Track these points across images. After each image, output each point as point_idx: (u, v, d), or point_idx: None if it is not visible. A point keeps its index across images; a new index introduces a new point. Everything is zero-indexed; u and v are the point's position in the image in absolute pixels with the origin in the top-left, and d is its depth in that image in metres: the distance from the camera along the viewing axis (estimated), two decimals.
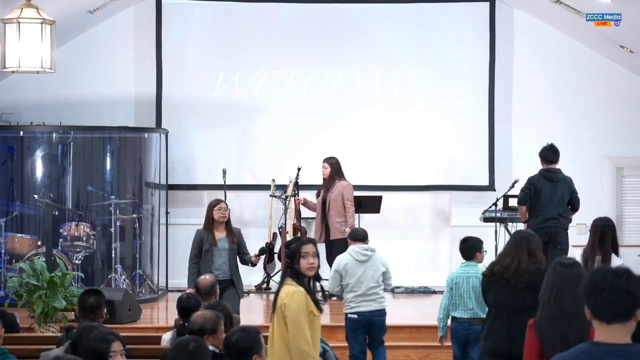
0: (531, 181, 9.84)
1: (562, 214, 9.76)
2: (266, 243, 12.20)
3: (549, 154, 10.01)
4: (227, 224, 8.69)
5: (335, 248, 10.81)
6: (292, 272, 5.29)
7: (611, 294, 3.09)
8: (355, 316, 8.24)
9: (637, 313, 3.11)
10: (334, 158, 11.46)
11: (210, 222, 8.64)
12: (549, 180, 9.82)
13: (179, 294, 7.00)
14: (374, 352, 8.45)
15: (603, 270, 3.19)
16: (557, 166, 10.00)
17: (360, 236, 8.48)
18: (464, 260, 7.54)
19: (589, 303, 3.16)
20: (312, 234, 11.85)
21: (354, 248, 8.40)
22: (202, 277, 7.38)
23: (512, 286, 6.29)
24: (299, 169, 11.69)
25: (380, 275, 8.33)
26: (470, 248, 7.56)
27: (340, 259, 8.39)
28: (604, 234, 7.33)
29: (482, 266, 7.22)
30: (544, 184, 9.79)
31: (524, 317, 6.17)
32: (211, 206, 8.70)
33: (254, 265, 9.02)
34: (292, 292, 5.21)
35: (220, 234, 8.63)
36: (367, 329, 8.34)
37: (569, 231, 9.85)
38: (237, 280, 8.66)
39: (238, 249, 8.70)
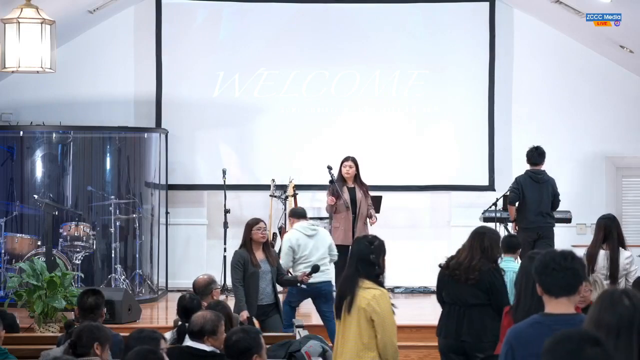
0: (519, 181, 10.41)
1: (549, 213, 10.50)
2: None
3: (535, 156, 10.52)
4: (265, 244, 8.16)
5: None
6: (378, 270, 5.50)
7: (559, 273, 3.66)
8: (305, 286, 8.79)
9: (579, 289, 3.70)
10: (354, 157, 10.68)
11: (248, 243, 8.06)
12: (535, 181, 10.37)
13: (178, 294, 6.98)
14: (329, 326, 9.05)
15: (552, 253, 3.74)
16: (543, 167, 10.57)
17: (302, 214, 9.32)
18: (505, 255, 7.67)
19: (540, 281, 3.71)
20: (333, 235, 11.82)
21: (301, 224, 9.14)
22: (199, 276, 7.37)
23: (463, 282, 6.41)
24: (330, 168, 10.74)
25: (327, 248, 9.18)
26: (518, 243, 7.96)
27: (291, 236, 9.12)
28: (609, 231, 7.48)
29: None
30: (531, 184, 10.36)
31: (473, 313, 6.31)
32: (250, 226, 8.11)
33: (302, 284, 8.51)
34: (379, 294, 5.42)
35: (260, 256, 8.09)
36: (314, 299, 9.16)
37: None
38: (280, 304, 8.28)
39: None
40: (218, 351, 5.24)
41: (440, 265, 6.74)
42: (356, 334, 5.42)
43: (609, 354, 2.69)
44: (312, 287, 8.90)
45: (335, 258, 9.36)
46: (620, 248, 7.68)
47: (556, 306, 3.69)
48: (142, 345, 4.48)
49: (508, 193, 10.61)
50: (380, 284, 5.52)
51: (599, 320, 3.14)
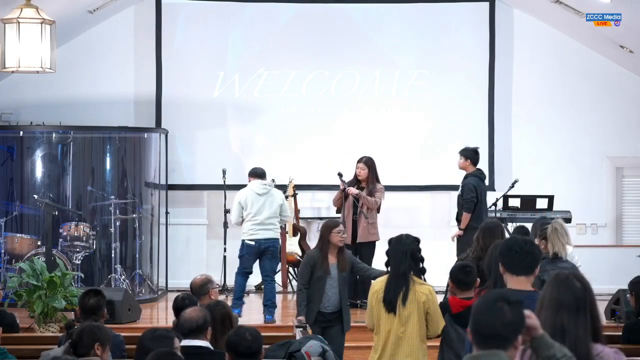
0: (475, 186, 10.14)
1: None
2: None
3: (477, 156, 10.44)
4: (340, 248, 7.61)
5: (364, 252, 10.12)
6: (422, 270, 6.17)
7: (520, 255, 4.37)
8: (253, 243, 9.67)
9: (535, 270, 4.42)
10: (370, 158, 10.45)
11: (325, 245, 7.57)
12: (482, 180, 10.40)
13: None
14: (266, 285, 9.70)
15: (515, 238, 4.56)
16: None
17: (259, 173, 9.92)
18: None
19: (503, 261, 4.43)
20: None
21: (254, 182, 9.83)
22: (195, 277, 7.35)
23: None
24: (340, 175, 10.49)
25: (277, 208, 9.77)
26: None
27: (242, 193, 9.81)
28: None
29: None
30: (482, 185, 10.33)
31: None
32: (329, 227, 7.58)
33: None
34: (432, 289, 6.12)
35: (332, 260, 7.58)
36: (259, 256, 9.77)
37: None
38: (346, 314, 7.69)
39: (352, 267, 7.71)
40: (212, 348, 5.27)
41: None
42: (417, 325, 6.03)
43: (519, 312, 3.12)
44: (259, 242, 9.62)
45: (287, 220, 9.92)
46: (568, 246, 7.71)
47: (516, 284, 4.39)
48: (156, 344, 4.53)
49: (467, 199, 10.13)
50: (424, 279, 6.21)
51: (559, 300, 3.57)
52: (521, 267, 4.37)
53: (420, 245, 6.21)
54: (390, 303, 6.02)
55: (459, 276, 6.42)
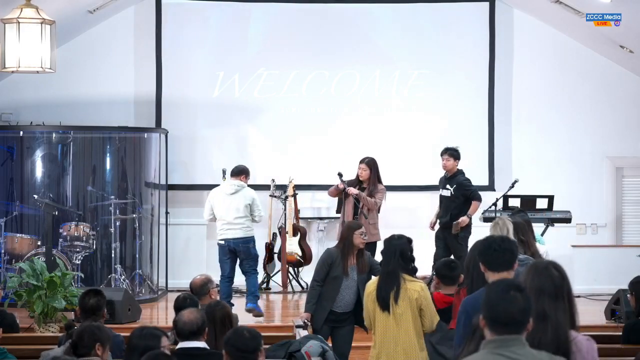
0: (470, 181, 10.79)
1: None
2: (266, 243, 12.21)
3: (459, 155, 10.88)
4: (361, 249, 7.50)
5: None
6: (414, 266, 6.35)
7: (499, 252, 4.59)
8: (223, 242, 9.78)
9: (514, 266, 4.62)
10: (372, 159, 10.44)
11: (347, 246, 7.44)
12: None
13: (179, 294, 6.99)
14: (246, 279, 9.80)
15: (493, 237, 4.81)
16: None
17: (234, 171, 9.99)
18: None
19: (483, 260, 4.63)
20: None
21: (226, 181, 10.10)
22: (195, 277, 7.35)
23: None
24: (340, 175, 10.47)
25: (246, 207, 9.76)
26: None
27: (212, 192, 10.01)
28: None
29: None
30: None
31: None
32: (351, 228, 7.48)
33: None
34: (424, 286, 6.26)
35: (351, 261, 7.45)
36: (235, 255, 9.81)
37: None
38: (359, 314, 7.27)
39: (370, 269, 7.53)
40: (209, 348, 5.27)
41: None
42: (411, 322, 6.20)
43: (528, 297, 3.41)
44: (228, 241, 9.72)
45: (258, 219, 9.93)
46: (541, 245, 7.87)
47: (494, 279, 4.43)
48: (144, 342, 4.58)
49: (474, 190, 10.72)
50: (416, 277, 6.37)
51: (540, 288, 3.83)
52: (500, 264, 4.57)
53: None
54: (383, 301, 6.21)
55: (444, 271, 6.65)
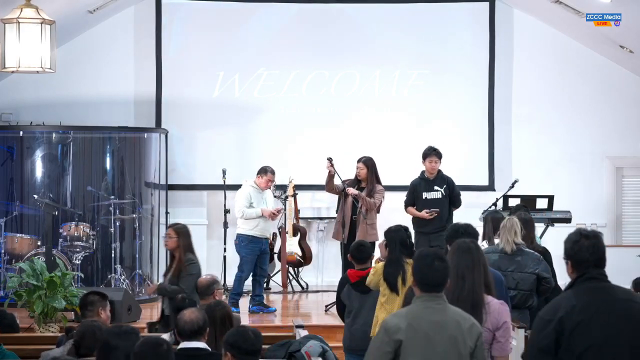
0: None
1: None
2: None
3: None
4: None
5: None
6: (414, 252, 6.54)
7: (461, 235, 5.62)
8: None
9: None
10: (369, 158, 10.51)
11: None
12: None
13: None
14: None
15: (456, 223, 6.19)
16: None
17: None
18: None
19: (451, 240, 5.53)
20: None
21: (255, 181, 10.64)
22: (201, 277, 7.37)
23: None
24: (330, 160, 10.50)
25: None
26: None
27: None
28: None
29: None
30: None
31: None
32: None
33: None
34: None
35: None
36: None
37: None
38: None
39: None
40: (210, 349, 5.27)
41: None
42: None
43: (447, 265, 4.54)
44: None
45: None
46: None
47: None
48: (121, 341, 4.46)
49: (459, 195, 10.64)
50: None
51: (462, 257, 5.05)
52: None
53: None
54: (390, 284, 6.74)
55: (355, 253, 7.35)
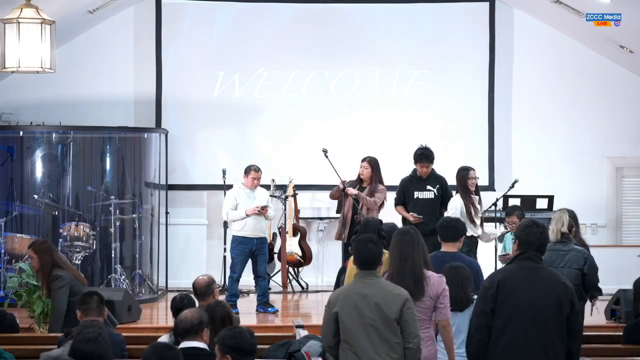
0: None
1: None
2: None
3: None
4: None
5: None
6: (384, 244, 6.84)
7: (447, 227, 6.70)
8: None
9: (461, 239, 6.70)
10: (374, 158, 10.54)
11: None
12: None
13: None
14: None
15: (447, 218, 7.25)
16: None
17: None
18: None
19: (439, 232, 6.73)
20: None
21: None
22: (198, 277, 7.35)
23: None
24: (325, 151, 10.70)
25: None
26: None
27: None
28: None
29: None
30: None
31: None
32: None
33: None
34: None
35: None
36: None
37: None
38: None
39: None
40: (209, 349, 5.27)
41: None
42: None
43: (380, 247, 5.39)
44: None
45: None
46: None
47: (446, 248, 6.69)
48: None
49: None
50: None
51: (402, 240, 5.87)
52: (449, 236, 6.68)
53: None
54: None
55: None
